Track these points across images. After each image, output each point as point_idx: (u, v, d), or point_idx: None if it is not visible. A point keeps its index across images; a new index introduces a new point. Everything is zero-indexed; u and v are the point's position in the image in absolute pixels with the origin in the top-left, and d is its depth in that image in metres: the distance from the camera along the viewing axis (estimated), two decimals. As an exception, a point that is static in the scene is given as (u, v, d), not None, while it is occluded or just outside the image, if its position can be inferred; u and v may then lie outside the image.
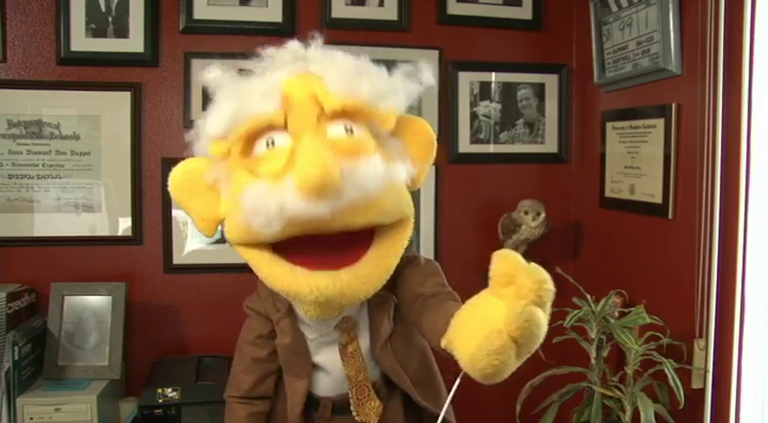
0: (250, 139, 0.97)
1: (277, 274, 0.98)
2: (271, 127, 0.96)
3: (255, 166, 0.96)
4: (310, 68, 1.00)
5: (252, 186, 0.93)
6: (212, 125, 0.98)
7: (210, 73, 1.05)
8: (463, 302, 1.00)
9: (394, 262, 1.04)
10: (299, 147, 0.91)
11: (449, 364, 0.92)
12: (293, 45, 1.05)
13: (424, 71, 1.03)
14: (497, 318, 0.78)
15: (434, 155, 1.13)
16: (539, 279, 0.77)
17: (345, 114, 0.97)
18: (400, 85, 1.01)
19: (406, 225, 1.04)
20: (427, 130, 1.12)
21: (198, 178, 1.04)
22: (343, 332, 1.16)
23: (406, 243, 1.05)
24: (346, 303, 1.03)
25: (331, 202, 0.87)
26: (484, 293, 0.85)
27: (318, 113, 0.96)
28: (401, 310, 1.19)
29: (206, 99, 1.99)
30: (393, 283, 1.12)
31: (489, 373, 0.80)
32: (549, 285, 0.78)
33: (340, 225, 0.93)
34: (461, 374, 0.85)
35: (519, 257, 0.81)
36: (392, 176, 0.98)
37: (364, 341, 1.19)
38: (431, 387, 1.26)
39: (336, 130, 0.96)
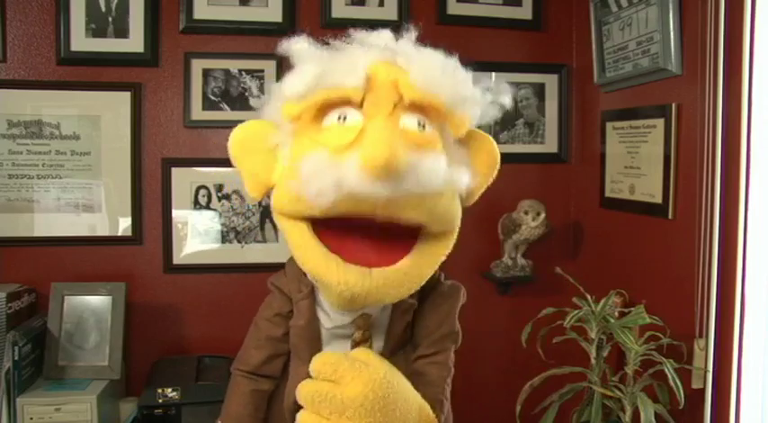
0: (324, 109, 0.97)
1: (310, 256, 0.98)
2: (347, 102, 0.95)
3: (322, 136, 0.96)
4: (397, 60, 0.99)
5: (314, 153, 0.92)
6: (292, 85, 0.97)
7: (297, 44, 1.02)
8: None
9: (429, 273, 1.02)
10: (369, 127, 0.91)
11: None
12: (385, 34, 1.04)
13: (504, 93, 1.02)
14: None
15: (495, 175, 1.11)
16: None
17: (421, 109, 0.96)
18: (480, 97, 1.01)
19: (450, 238, 1.03)
20: (494, 149, 1.10)
21: (259, 138, 1.04)
22: (358, 329, 1.13)
23: (444, 257, 1.04)
24: (371, 303, 1.02)
25: (390, 185, 0.86)
26: None
27: (396, 101, 0.95)
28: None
29: (206, 99, 2.04)
30: (419, 295, 1.12)
31: None
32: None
33: (388, 214, 0.92)
34: None
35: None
36: (454, 180, 0.98)
37: (378, 344, 1.15)
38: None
39: (409, 121, 0.96)
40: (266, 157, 1.03)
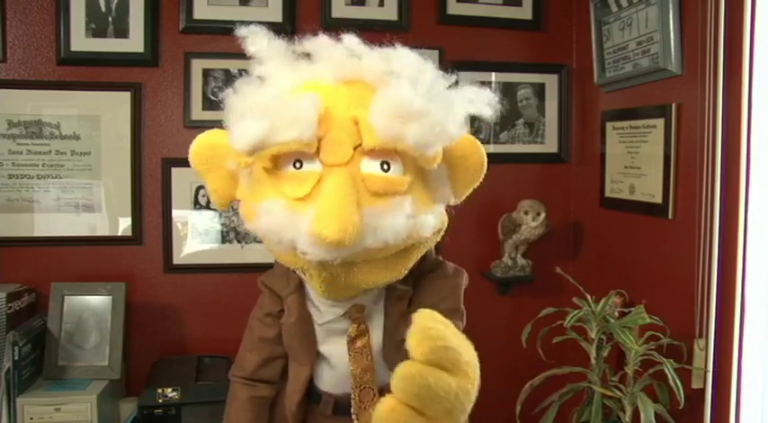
0: (277, 158, 0.92)
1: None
2: (301, 154, 0.89)
3: (280, 182, 0.91)
4: (364, 74, 0.93)
5: (271, 202, 0.89)
6: (238, 142, 0.89)
7: (255, 44, 0.98)
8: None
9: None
10: (325, 185, 0.86)
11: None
12: (351, 42, 0.95)
13: (486, 105, 0.96)
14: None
15: (481, 180, 1.04)
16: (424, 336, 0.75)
17: (385, 151, 0.89)
18: (455, 122, 0.93)
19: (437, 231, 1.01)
20: (479, 156, 1.02)
21: (219, 155, 1.00)
22: (352, 322, 1.08)
23: (435, 241, 1.04)
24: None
25: (343, 252, 0.85)
26: None
27: (356, 144, 0.89)
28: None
29: (206, 99, 2.04)
30: (415, 282, 1.10)
31: None
32: (440, 342, 0.75)
33: (350, 261, 0.91)
34: None
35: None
36: (417, 228, 0.93)
37: (377, 338, 1.10)
38: None
39: (371, 165, 0.89)
40: (226, 175, 1.01)
